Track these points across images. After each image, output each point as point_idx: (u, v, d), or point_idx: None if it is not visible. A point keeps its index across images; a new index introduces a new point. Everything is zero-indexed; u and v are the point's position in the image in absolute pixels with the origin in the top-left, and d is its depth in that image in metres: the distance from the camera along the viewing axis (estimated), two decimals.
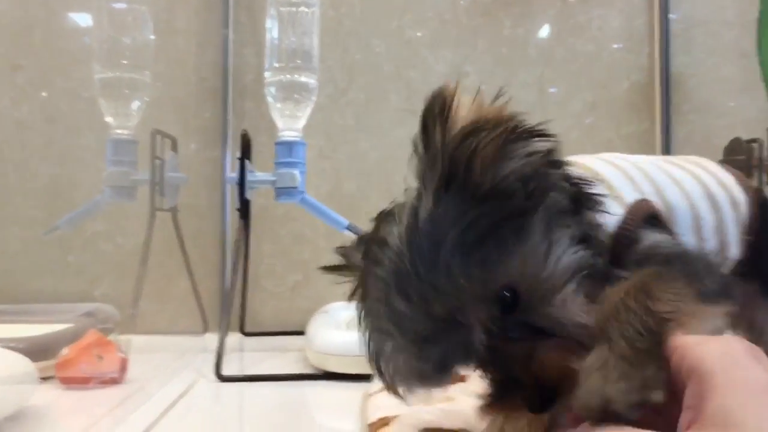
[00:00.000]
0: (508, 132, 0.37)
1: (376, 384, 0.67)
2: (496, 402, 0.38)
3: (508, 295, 0.36)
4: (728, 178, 0.49)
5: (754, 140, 1.08)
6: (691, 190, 0.46)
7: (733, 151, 1.11)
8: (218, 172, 1.25)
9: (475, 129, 0.37)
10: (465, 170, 0.36)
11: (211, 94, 1.28)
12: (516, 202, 0.37)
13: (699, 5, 1.33)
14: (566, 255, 0.36)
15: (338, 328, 1.01)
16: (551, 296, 0.36)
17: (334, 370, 0.87)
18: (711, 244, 0.45)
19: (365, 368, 0.76)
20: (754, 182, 1.08)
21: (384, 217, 0.40)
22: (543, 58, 1.33)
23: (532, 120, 0.42)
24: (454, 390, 0.61)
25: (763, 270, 0.47)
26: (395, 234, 0.37)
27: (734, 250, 0.46)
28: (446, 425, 0.50)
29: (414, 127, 1.46)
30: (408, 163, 0.45)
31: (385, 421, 0.52)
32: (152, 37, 1.14)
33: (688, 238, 0.44)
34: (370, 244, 0.39)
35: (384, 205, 1.50)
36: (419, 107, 1.47)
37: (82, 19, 1.28)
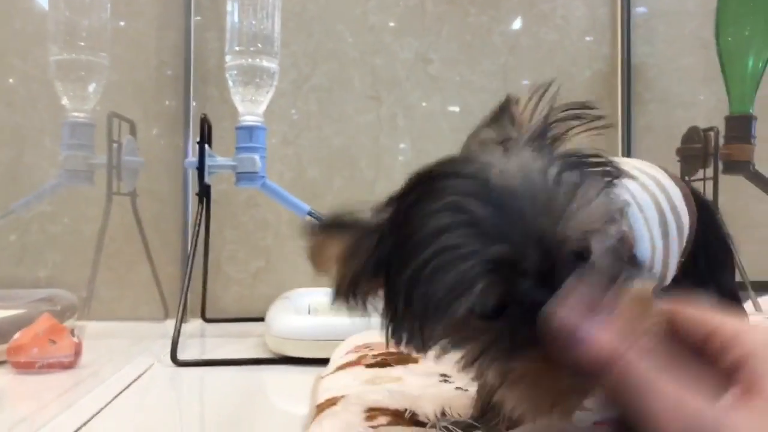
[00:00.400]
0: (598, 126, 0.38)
1: (329, 368, 0.68)
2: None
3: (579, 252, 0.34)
4: (678, 199, 0.50)
5: (710, 129, 1.10)
6: (651, 216, 0.47)
7: (690, 140, 1.12)
8: (180, 157, 1.24)
9: (574, 114, 0.38)
10: (556, 138, 0.38)
11: (173, 78, 1.26)
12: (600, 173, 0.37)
13: None
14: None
15: (298, 314, 1.01)
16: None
17: (292, 355, 0.87)
18: (656, 273, 0.46)
19: (322, 352, 0.77)
20: (710, 169, 1.09)
21: (441, 165, 0.37)
22: (507, 46, 1.34)
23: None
24: (403, 371, 0.61)
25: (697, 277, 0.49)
26: (473, 169, 0.35)
27: (670, 276, 0.48)
28: (392, 405, 0.50)
29: (378, 113, 1.45)
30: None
31: (332, 402, 0.52)
32: (121, 23, 1.13)
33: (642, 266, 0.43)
34: (433, 176, 0.36)
35: (348, 190, 1.49)
36: (383, 94, 1.47)
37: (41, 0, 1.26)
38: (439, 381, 0.58)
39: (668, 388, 0.29)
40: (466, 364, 0.36)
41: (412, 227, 0.34)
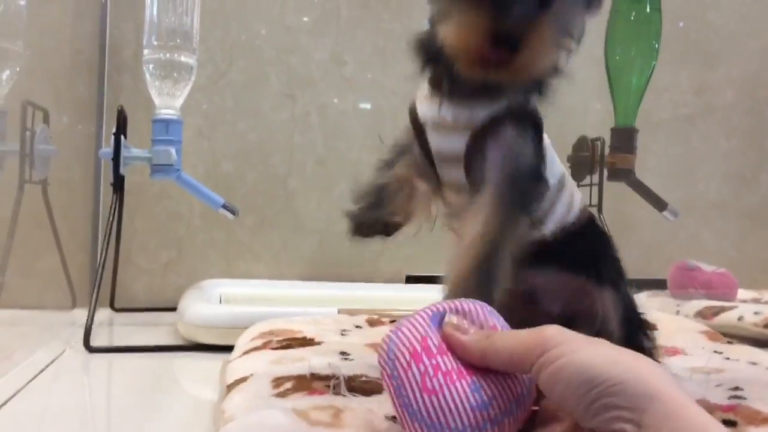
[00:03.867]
0: None
1: (235, 353, 0.72)
2: None
3: None
4: (574, 187, 0.63)
5: (597, 139, 1.20)
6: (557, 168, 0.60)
7: (580, 148, 1.23)
8: (92, 146, 1.24)
9: None
10: None
11: (87, 67, 1.26)
12: None
13: None
14: None
15: (210, 302, 1.04)
16: None
17: (204, 342, 0.91)
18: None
19: (233, 339, 0.81)
20: (596, 176, 1.20)
21: None
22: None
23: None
24: (305, 353, 0.67)
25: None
26: None
27: (550, 222, 0.58)
28: (295, 372, 0.55)
29: (292, 111, 1.49)
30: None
31: (242, 380, 0.56)
32: (36, 9, 1.12)
33: None
34: None
35: (260, 185, 1.52)
36: (298, 92, 1.52)
37: None
38: (340, 359, 0.63)
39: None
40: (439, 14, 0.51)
41: None
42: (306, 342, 0.70)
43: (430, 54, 0.54)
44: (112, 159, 1.02)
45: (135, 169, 1.11)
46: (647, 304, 1.19)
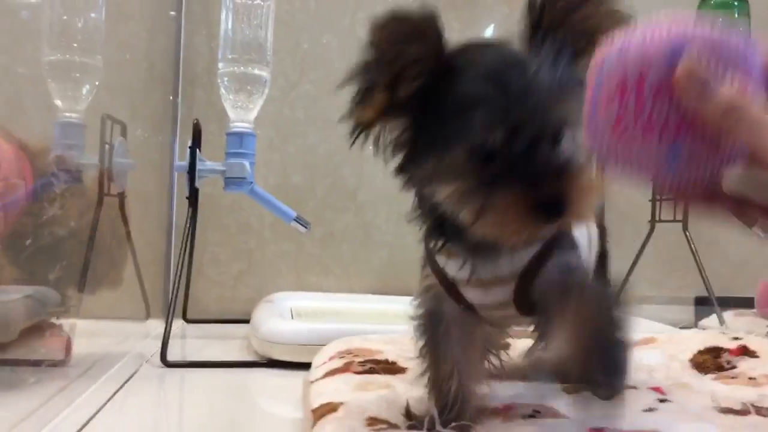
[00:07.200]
0: None
1: (316, 372, 0.70)
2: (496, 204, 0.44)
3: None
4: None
5: None
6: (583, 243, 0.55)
7: None
8: (166, 158, 1.26)
9: None
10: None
11: (161, 80, 1.28)
12: None
13: None
14: None
15: (283, 318, 1.03)
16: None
17: (278, 358, 0.90)
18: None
19: (308, 357, 0.79)
20: None
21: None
22: None
23: None
24: (391, 379, 0.65)
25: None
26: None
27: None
28: (391, 419, 0.53)
29: None
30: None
31: (331, 407, 0.54)
32: (113, 25, 1.14)
33: None
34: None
35: (330, 197, 1.51)
36: None
37: None
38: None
39: None
40: (454, 198, 0.47)
41: (458, 79, 0.46)
42: (389, 368, 0.68)
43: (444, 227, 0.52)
44: (188, 172, 1.02)
45: (207, 180, 1.11)
46: (734, 323, 1.13)
